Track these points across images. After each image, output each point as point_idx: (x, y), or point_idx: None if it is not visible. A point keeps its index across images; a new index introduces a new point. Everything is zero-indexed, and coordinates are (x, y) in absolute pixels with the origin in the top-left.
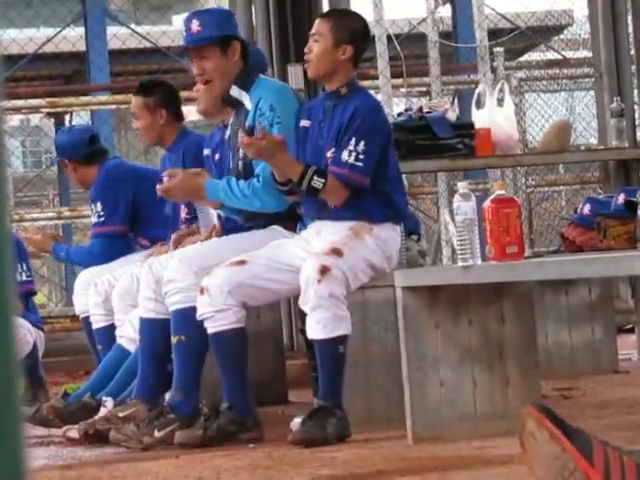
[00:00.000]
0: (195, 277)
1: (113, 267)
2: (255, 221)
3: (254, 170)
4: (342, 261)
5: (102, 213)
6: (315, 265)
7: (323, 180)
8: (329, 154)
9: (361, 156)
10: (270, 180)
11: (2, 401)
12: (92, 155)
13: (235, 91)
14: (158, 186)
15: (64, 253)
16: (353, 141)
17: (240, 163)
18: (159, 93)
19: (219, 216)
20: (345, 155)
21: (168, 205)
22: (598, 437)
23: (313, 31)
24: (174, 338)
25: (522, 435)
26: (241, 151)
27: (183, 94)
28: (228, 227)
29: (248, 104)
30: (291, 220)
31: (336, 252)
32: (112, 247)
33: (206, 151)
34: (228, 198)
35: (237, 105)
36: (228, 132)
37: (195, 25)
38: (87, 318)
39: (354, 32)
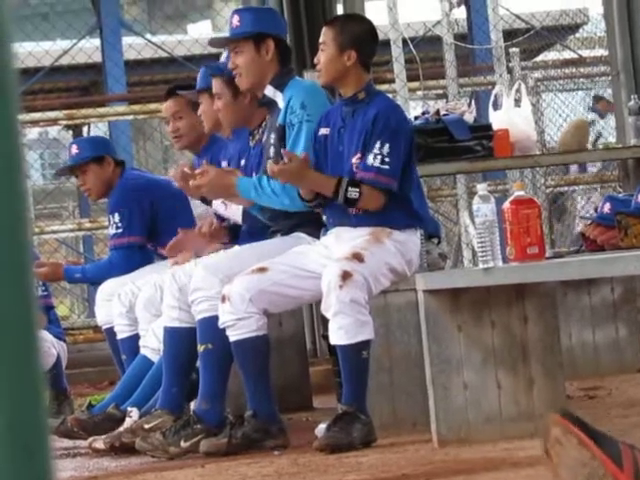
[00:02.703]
0: (221, 285)
1: (135, 277)
2: (278, 224)
3: None
4: (363, 266)
5: (120, 224)
6: (336, 271)
7: (357, 189)
8: (354, 160)
9: (387, 159)
10: None
11: (29, 414)
12: (113, 160)
13: (270, 91)
14: (190, 182)
15: (79, 274)
16: (378, 144)
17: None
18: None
19: (228, 226)
20: (371, 159)
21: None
22: (625, 440)
23: (320, 40)
24: (201, 347)
25: (547, 442)
26: (271, 151)
27: None
28: (251, 231)
29: (281, 104)
30: (315, 226)
31: (357, 257)
32: (131, 258)
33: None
34: (258, 195)
35: (271, 106)
36: (265, 134)
37: (235, 20)
38: (110, 329)
39: (358, 37)
